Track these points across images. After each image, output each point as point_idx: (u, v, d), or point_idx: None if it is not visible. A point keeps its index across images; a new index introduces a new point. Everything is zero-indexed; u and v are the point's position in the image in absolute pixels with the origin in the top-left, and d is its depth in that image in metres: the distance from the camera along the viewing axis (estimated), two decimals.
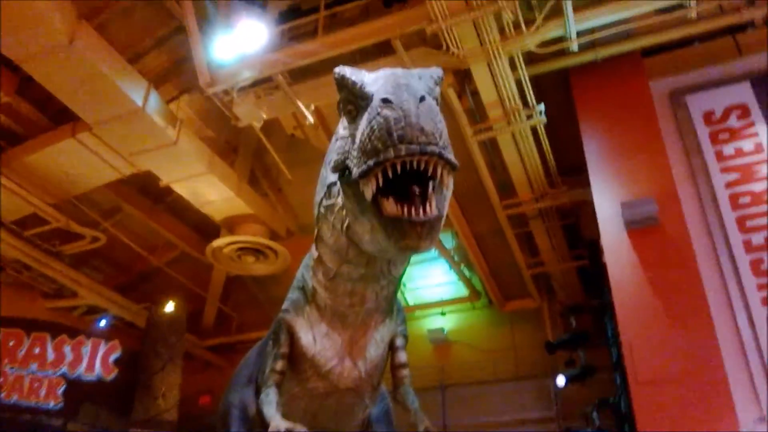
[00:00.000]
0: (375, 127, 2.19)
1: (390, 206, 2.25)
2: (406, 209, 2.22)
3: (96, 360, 13.30)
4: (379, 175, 2.19)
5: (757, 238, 7.87)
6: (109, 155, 9.93)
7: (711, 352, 7.32)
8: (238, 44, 8.61)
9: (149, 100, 8.91)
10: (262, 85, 8.92)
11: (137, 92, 8.78)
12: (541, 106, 8.87)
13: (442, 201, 2.42)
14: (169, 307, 13.68)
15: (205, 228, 12.89)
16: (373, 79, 2.45)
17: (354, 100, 2.47)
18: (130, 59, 9.04)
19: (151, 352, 13.41)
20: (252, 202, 11.57)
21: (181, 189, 10.65)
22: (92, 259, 13.80)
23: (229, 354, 15.28)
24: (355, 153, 2.33)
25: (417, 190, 2.28)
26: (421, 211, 2.22)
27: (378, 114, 2.19)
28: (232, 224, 11.79)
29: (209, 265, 13.34)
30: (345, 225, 2.60)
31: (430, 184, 2.30)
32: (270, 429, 2.88)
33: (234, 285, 15.29)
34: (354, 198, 2.41)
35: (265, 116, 9.18)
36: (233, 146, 11.88)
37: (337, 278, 2.95)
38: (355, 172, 2.29)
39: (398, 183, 2.26)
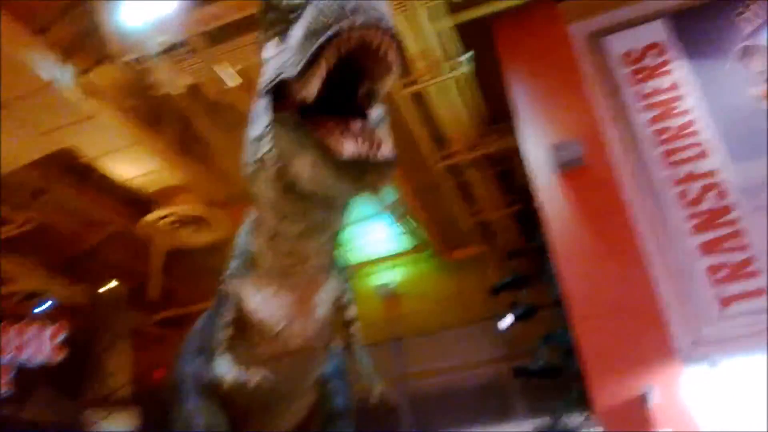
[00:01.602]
0: (323, 7, 2.02)
1: (342, 145, 2.11)
2: (360, 145, 2.11)
3: (43, 343, 12.96)
4: (331, 57, 2.02)
5: (681, 171, 8.10)
6: (27, 135, 9.47)
7: (644, 283, 7.63)
8: (149, 7, 8.20)
9: (60, 74, 8.49)
10: (179, 50, 8.58)
11: (46, 66, 8.35)
12: (469, 55, 8.84)
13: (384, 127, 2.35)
14: (110, 284, 13.41)
15: (138, 202, 12.52)
16: None
17: (285, 17, 2.31)
18: (34, 32, 8.53)
19: (96, 332, 13.20)
20: (183, 171, 11.24)
21: (105, 164, 10.28)
22: (25, 244, 13.31)
23: (180, 327, 15.09)
24: (293, 53, 2.15)
25: (357, 122, 2.19)
26: (377, 149, 2.12)
27: None
28: (165, 197, 11.50)
29: (147, 240, 13.04)
30: (278, 170, 2.46)
31: (374, 109, 2.26)
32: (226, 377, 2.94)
33: (177, 257, 15.00)
34: (290, 133, 2.28)
35: (185, 83, 8.86)
36: (157, 115, 11.47)
37: (278, 237, 2.91)
38: (296, 68, 2.11)
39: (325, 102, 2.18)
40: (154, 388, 14.04)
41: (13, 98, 8.48)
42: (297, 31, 2.16)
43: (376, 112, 2.31)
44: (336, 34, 1.96)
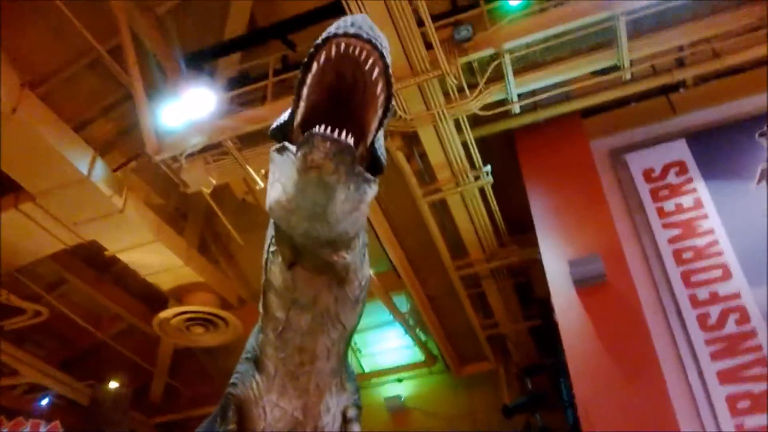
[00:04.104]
0: (331, 29, 2.16)
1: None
2: (322, 129, 2.08)
3: None
4: (322, 58, 2.13)
5: (702, 293, 8.00)
6: (53, 225, 9.65)
7: (663, 410, 7.30)
8: (187, 111, 8.61)
9: (95, 168, 8.78)
10: (211, 151, 8.89)
11: (82, 161, 8.65)
12: (488, 167, 9.12)
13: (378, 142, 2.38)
14: (113, 383, 13.14)
15: (152, 299, 12.51)
16: None
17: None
18: (75, 127, 8.95)
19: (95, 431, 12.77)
20: (202, 269, 11.33)
21: (127, 258, 10.39)
22: (34, 335, 13.17)
23: (179, 431, 14.67)
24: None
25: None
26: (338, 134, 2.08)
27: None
28: (180, 294, 11.49)
29: (157, 337, 12.91)
30: (280, 235, 2.53)
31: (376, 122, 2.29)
32: None
33: (183, 358, 14.77)
34: (279, 158, 2.27)
35: (214, 182, 9.12)
36: (182, 213, 11.73)
37: (287, 331, 2.85)
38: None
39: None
40: None
41: (48, 189, 8.71)
42: None
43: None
44: (328, 39, 2.11)
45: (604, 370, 7.86)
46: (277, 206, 2.31)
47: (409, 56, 7.39)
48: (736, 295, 7.80)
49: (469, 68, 8.27)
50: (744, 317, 7.65)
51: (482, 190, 9.45)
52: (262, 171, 9.22)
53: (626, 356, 7.81)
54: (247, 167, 8.88)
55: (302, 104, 2.22)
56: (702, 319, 7.86)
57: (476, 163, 9.08)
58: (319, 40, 2.13)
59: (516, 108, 8.61)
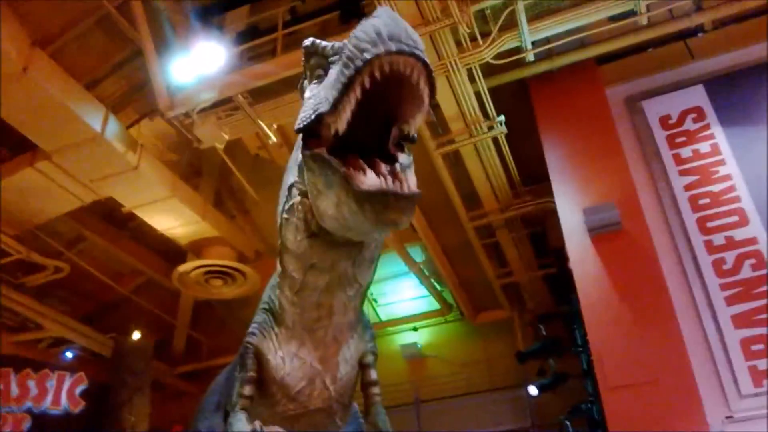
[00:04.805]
0: (359, 35, 2.05)
1: (366, 178, 2.12)
2: (384, 181, 2.11)
3: (62, 393, 12.90)
4: (366, 81, 2.05)
5: (718, 239, 8.03)
6: (70, 183, 9.76)
7: (678, 354, 7.43)
8: (197, 66, 8.53)
9: (108, 126, 8.79)
10: (223, 106, 8.86)
11: (95, 118, 8.65)
12: (501, 118, 9.00)
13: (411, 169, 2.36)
14: (135, 335, 13.45)
15: (171, 253, 12.69)
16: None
17: (324, 63, 2.41)
18: (87, 85, 8.90)
19: (118, 383, 13.11)
20: (218, 224, 11.44)
21: (144, 214, 10.50)
22: (56, 290, 13.46)
23: (201, 381, 14.95)
24: (329, 88, 2.18)
25: (384, 165, 2.21)
26: (401, 185, 2.12)
27: (362, 25, 2.08)
28: (198, 248, 11.65)
29: (177, 291, 13.14)
30: (306, 213, 2.53)
31: (403, 154, 2.28)
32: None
33: (203, 310, 15.06)
34: (319, 169, 2.30)
35: (227, 137, 9.11)
36: (196, 169, 11.77)
37: (304, 290, 2.88)
38: (331, 100, 2.14)
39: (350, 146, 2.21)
40: None
41: (62, 147, 8.75)
42: (334, 69, 2.22)
43: (405, 157, 2.33)
44: (370, 60, 2.00)
45: (618, 317, 7.95)
46: (331, 222, 2.40)
47: (420, 5, 7.25)
48: (753, 240, 7.83)
49: (481, 16, 8.10)
50: (760, 262, 7.69)
51: (496, 141, 9.38)
52: (275, 126, 9.20)
53: (641, 303, 7.89)
54: (260, 122, 8.85)
55: (342, 117, 2.15)
56: (717, 265, 7.91)
57: (490, 113, 8.97)
58: (359, 61, 2.02)
59: (530, 56, 8.47)
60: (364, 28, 2.05)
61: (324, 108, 2.19)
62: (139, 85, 9.74)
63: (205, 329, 15.51)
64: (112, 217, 12.24)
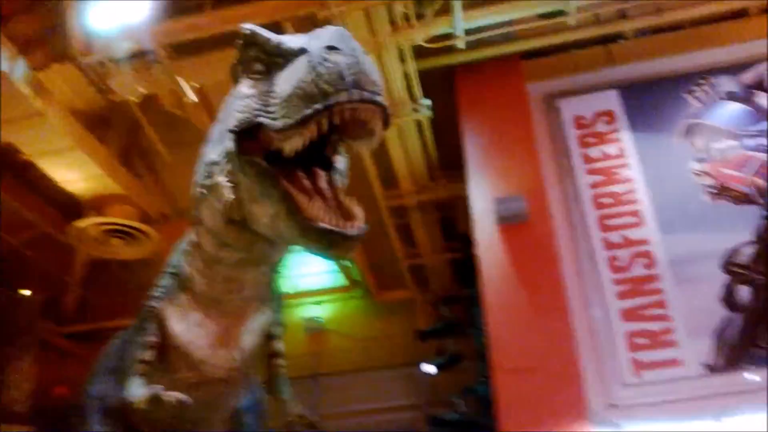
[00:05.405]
0: (323, 71, 2.00)
1: (313, 208, 2.15)
2: (332, 217, 2.15)
3: None
4: (324, 123, 2.04)
5: (615, 237, 8.46)
6: None
7: (566, 342, 7.83)
8: (118, 13, 8.08)
9: (15, 66, 8.20)
10: (142, 58, 8.45)
11: (1, 57, 8.03)
12: (427, 101, 9.12)
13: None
14: (23, 291, 12.72)
15: (69, 207, 12.00)
16: (290, 38, 2.31)
17: (265, 58, 2.31)
18: None
19: (1, 341, 12.39)
20: (123, 181, 10.90)
21: (45, 164, 9.90)
22: None
23: (91, 342, 14.34)
24: (279, 104, 2.13)
25: (324, 177, 2.27)
26: (350, 223, 2.17)
27: (325, 60, 2.02)
28: (100, 204, 11.07)
29: (71, 247, 12.48)
30: (230, 204, 2.44)
31: (339, 156, 2.35)
32: (139, 395, 2.78)
33: (98, 269, 14.37)
34: (255, 177, 2.27)
35: (143, 91, 8.71)
36: (107, 122, 11.17)
37: (216, 264, 2.85)
38: (283, 121, 2.10)
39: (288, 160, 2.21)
40: (53, 404, 13.26)
41: None
42: (285, 84, 2.14)
43: (341, 161, 2.40)
44: (332, 106, 2.00)
45: (516, 304, 8.32)
46: (263, 227, 2.40)
47: None
48: (646, 241, 8.32)
49: None
50: (651, 262, 8.20)
51: (419, 124, 9.48)
52: (195, 84, 8.88)
53: (538, 292, 8.29)
54: (179, 79, 8.52)
55: (293, 143, 2.13)
56: (612, 261, 8.36)
57: (415, 95, 9.06)
58: (319, 105, 2.00)
59: (461, 43, 8.59)
60: (327, 66, 2.01)
61: (272, 124, 2.15)
62: (54, 28, 9.09)
63: (99, 290, 14.80)
64: (8, 164, 11.41)
